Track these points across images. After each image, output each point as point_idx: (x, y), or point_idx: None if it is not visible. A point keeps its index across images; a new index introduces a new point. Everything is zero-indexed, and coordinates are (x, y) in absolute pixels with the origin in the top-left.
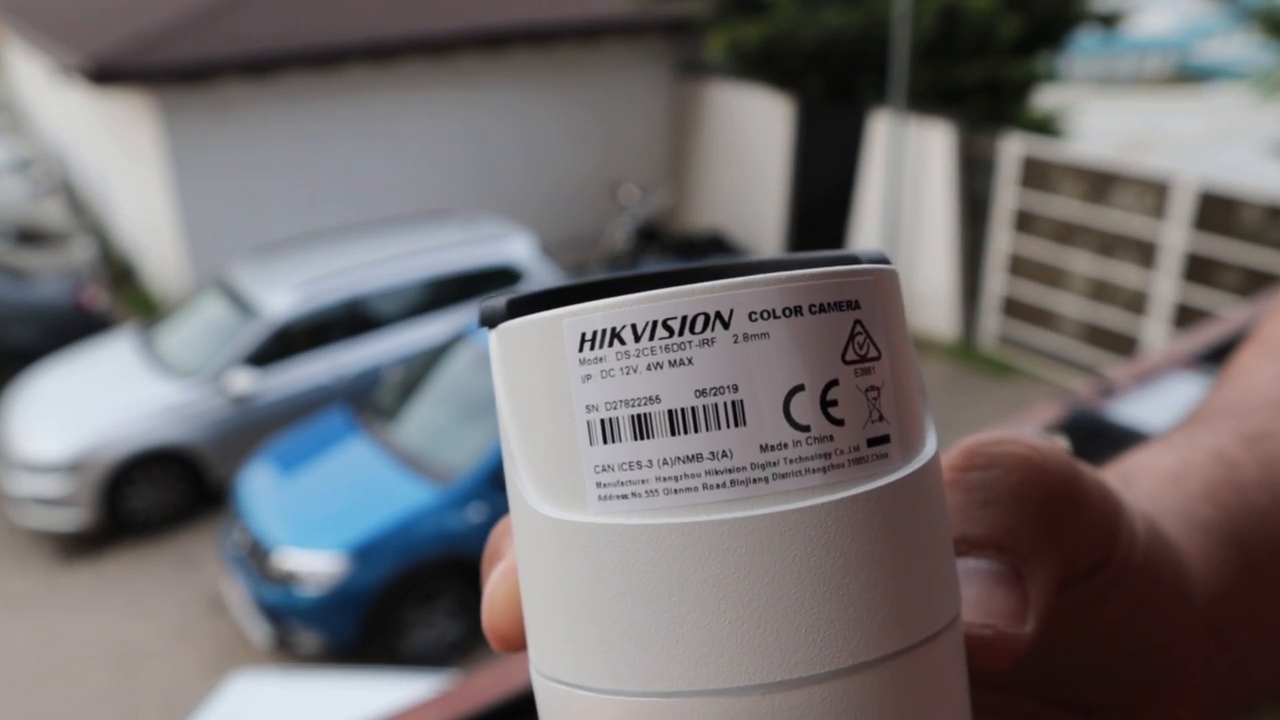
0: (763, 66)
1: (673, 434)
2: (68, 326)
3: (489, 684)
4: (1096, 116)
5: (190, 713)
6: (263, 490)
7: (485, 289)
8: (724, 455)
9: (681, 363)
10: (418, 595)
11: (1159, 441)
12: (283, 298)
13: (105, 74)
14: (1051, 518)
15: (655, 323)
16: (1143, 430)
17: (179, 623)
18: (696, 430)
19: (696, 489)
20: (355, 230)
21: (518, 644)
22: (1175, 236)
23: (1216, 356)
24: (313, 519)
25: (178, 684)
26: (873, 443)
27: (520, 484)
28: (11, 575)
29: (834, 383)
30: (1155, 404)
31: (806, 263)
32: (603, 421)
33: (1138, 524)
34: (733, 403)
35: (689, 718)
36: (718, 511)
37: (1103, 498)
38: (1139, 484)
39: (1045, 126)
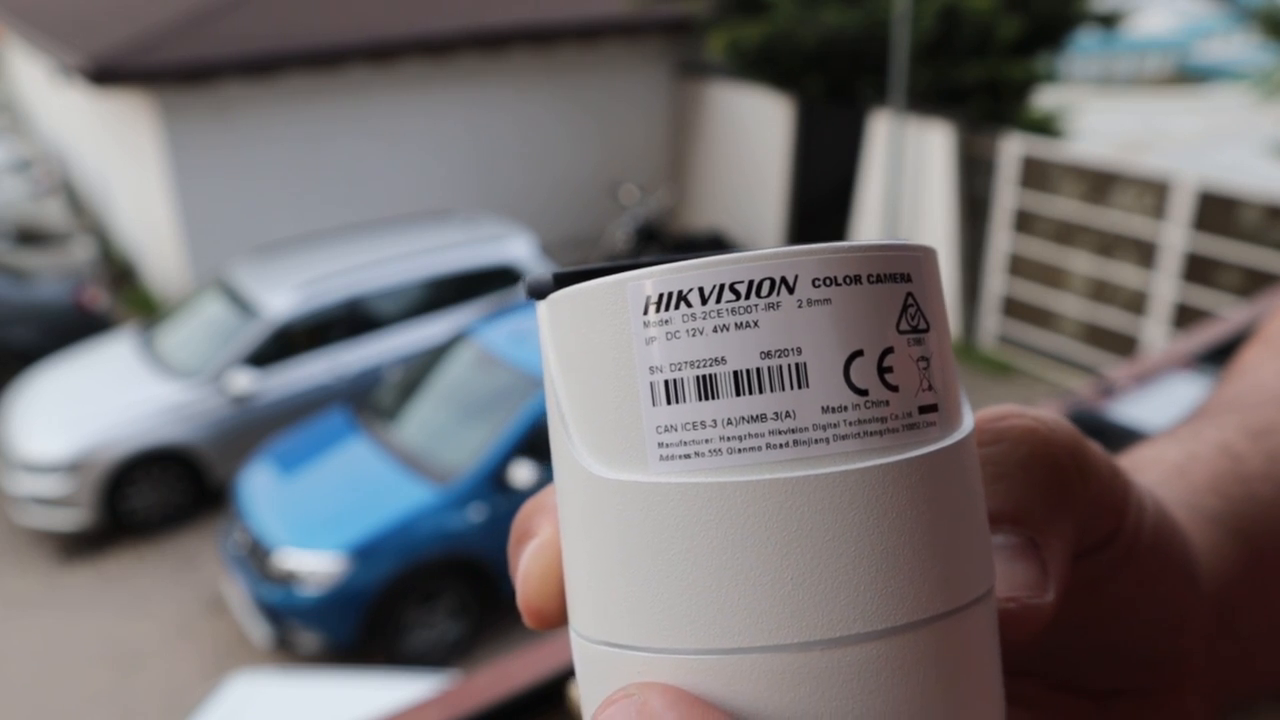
0: (763, 66)
1: (738, 394)
2: (68, 326)
3: (489, 684)
4: (1096, 117)
5: (190, 713)
6: (263, 490)
7: (485, 289)
8: (788, 416)
9: (748, 325)
10: (418, 595)
11: (1164, 436)
12: (283, 298)
13: (105, 74)
14: (1061, 488)
15: (723, 286)
16: (1143, 430)
17: (179, 623)
18: (761, 391)
19: (760, 448)
20: (355, 230)
21: (556, 619)
22: (1175, 236)
23: (1216, 357)
24: (313, 519)
25: (178, 684)
26: (923, 410)
27: (573, 449)
28: (12, 575)
29: (890, 350)
30: (1155, 404)
31: (856, 249)
32: (666, 383)
33: (1147, 502)
34: (796, 365)
35: (748, 675)
36: (782, 470)
37: (1111, 471)
38: (1145, 475)
39: (1045, 127)
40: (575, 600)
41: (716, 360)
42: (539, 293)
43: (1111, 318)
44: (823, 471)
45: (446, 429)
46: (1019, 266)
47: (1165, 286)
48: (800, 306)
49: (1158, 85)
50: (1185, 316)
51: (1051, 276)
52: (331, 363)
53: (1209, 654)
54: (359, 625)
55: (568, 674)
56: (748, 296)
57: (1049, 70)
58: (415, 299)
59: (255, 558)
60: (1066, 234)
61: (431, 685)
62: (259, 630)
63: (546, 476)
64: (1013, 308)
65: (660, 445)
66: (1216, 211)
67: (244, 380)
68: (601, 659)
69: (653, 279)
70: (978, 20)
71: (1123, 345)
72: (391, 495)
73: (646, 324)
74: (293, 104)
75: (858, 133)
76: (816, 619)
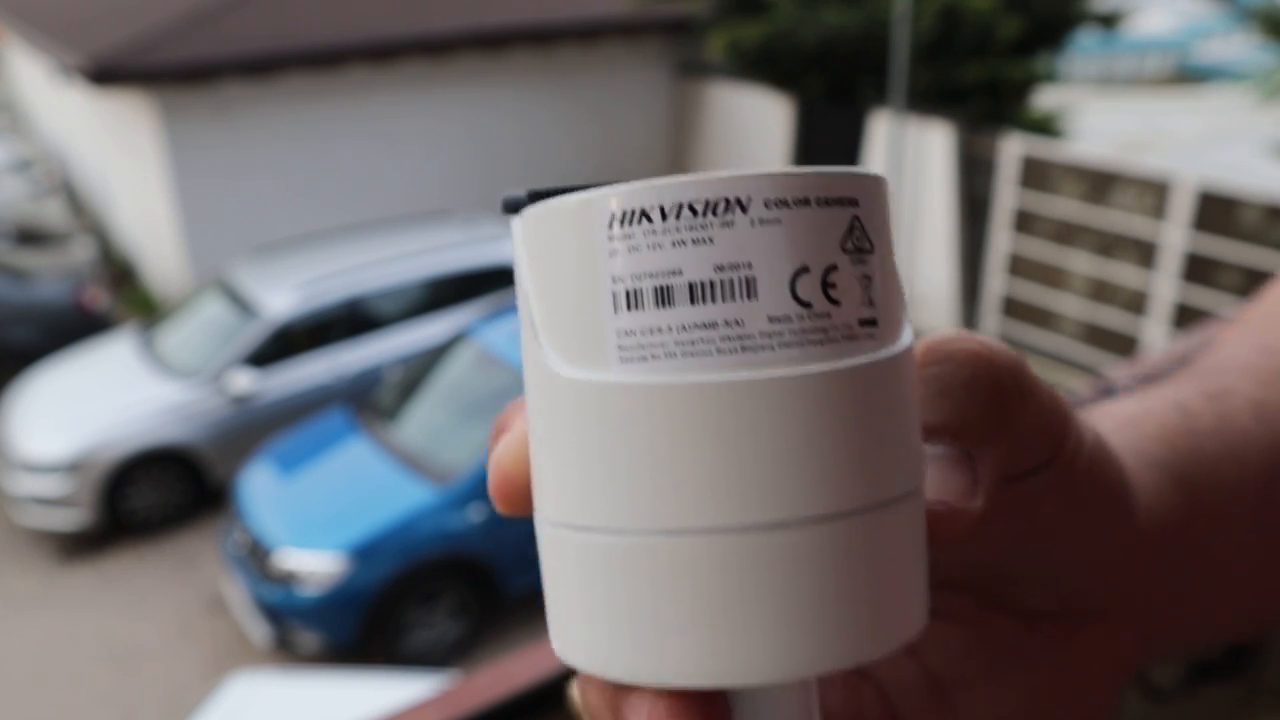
0: (763, 67)
1: (692, 303)
2: (68, 326)
3: (489, 684)
4: (1096, 117)
5: (190, 713)
6: (263, 490)
7: (485, 289)
8: (737, 324)
9: (704, 241)
10: (418, 595)
11: (1126, 395)
12: (283, 298)
13: (105, 74)
14: (1000, 408)
15: (681, 205)
16: None
17: (179, 623)
18: (714, 301)
19: (711, 353)
20: (355, 230)
21: (521, 504)
22: (1175, 236)
23: None
24: (313, 519)
25: (178, 684)
26: (863, 323)
27: (542, 352)
28: (12, 575)
29: (833, 267)
30: None
31: (809, 171)
32: (628, 292)
33: (1086, 433)
34: (747, 278)
35: (688, 554)
36: (729, 373)
37: (1051, 399)
38: (1097, 423)
39: (1045, 127)
40: (539, 487)
41: (674, 272)
42: (514, 208)
43: (1111, 318)
44: (766, 375)
45: (446, 429)
46: (1019, 266)
47: (1165, 287)
48: (753, 225)
49: (1158, 85)
50: (1185, 317)
51: (1051, 276)
52: (331, 363)
53: (1144, 595)
54: (359, 625)
55: (568, 674)
56: (704, 215)
57: (1049, 70)
58: (415, 299)
59: (255, 558)
60: (1066, 234)
61: (431, 685)
62: (259, 630)
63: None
64: (1013, 308)
65: (620, 348)
66: (1217, 211)
67: (244, 380)
68: (558, 539)
69: (618, 197)
70: (978, 20)
71: (1123, 345)
72: (391, 495)
73: (611, 238)
74: (293, 104)
75: (858, 133)
76: (755, 504)
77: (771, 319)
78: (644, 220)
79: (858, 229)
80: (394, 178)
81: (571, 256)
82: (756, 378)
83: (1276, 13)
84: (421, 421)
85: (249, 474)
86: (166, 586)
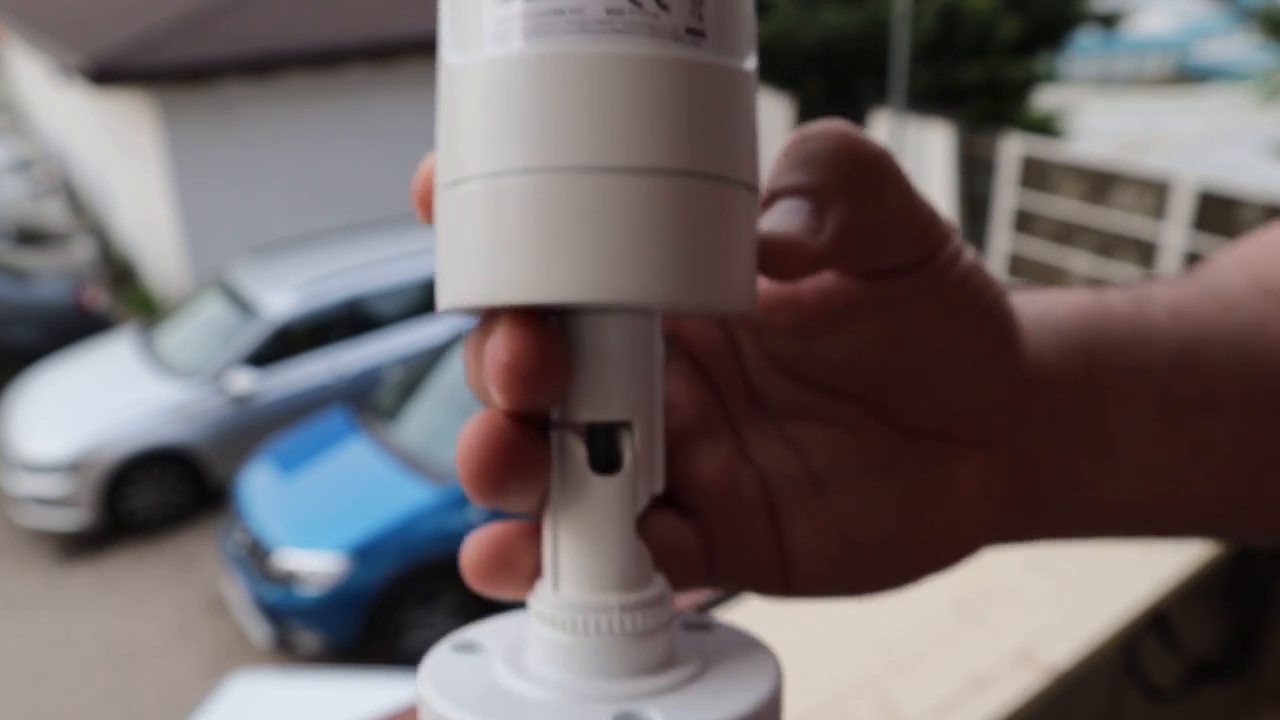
0: (763, 67)
1: None
2: (68, 326)
3: None
4: (1096, 117)
5: (190, 713)
6: (263, 490)
7: None
8: (578, 12)
9: None
10: (418, 595)
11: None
12: (283, 298)
13: (105, 74)
14: (859, 183)
15: None
16: None
17: (179, 623)
18: None
19: (560, 33)
20: (356, 230)
21: (428, 198)
22: (1175, 236)
23: None
24: (313, 519)
25: (178, 684)
26: (690, 31)
27: (444, 52)
28: (12, 575)
29: None
30: None
31: None
32: None
33: (966, 254)
34: None
35: (522, 187)
36: (572, 46)
37: (924, 206)
38: (1019, 300)
39: (1045, 127)
40: (437, 160)
41: None
42: None
43: None
44: (595, 49)
45: (446, 429)
46: (1019, 266)
47: None
48: None
49: (1158, 85)
50: None
51: (1051, 276)
52: (332, 363)
53: (1027, 434)
54: (359, 625)
55: None
56: None
57: (1049, 70)
58: (415, 299)
59: (255, 558)
60: (1066, 234)
61: None
62: (259, 630)
63: None
64: None
65: (492, 33)
66: (1216, 211)
67: (244, 380)
68: (440, 202)
69: None
70: (978, 20)
71: None
72: (391, 495)
73: None
74: (293, 104)
75: None
76: (591, 150)
77: (608, 10)
78: None
79: None
80: (394, 178)
81: None
82: (584, 51)
83: (1276, 13)
84: (421, 421)
85: (249, 474)
86: (166, 587)
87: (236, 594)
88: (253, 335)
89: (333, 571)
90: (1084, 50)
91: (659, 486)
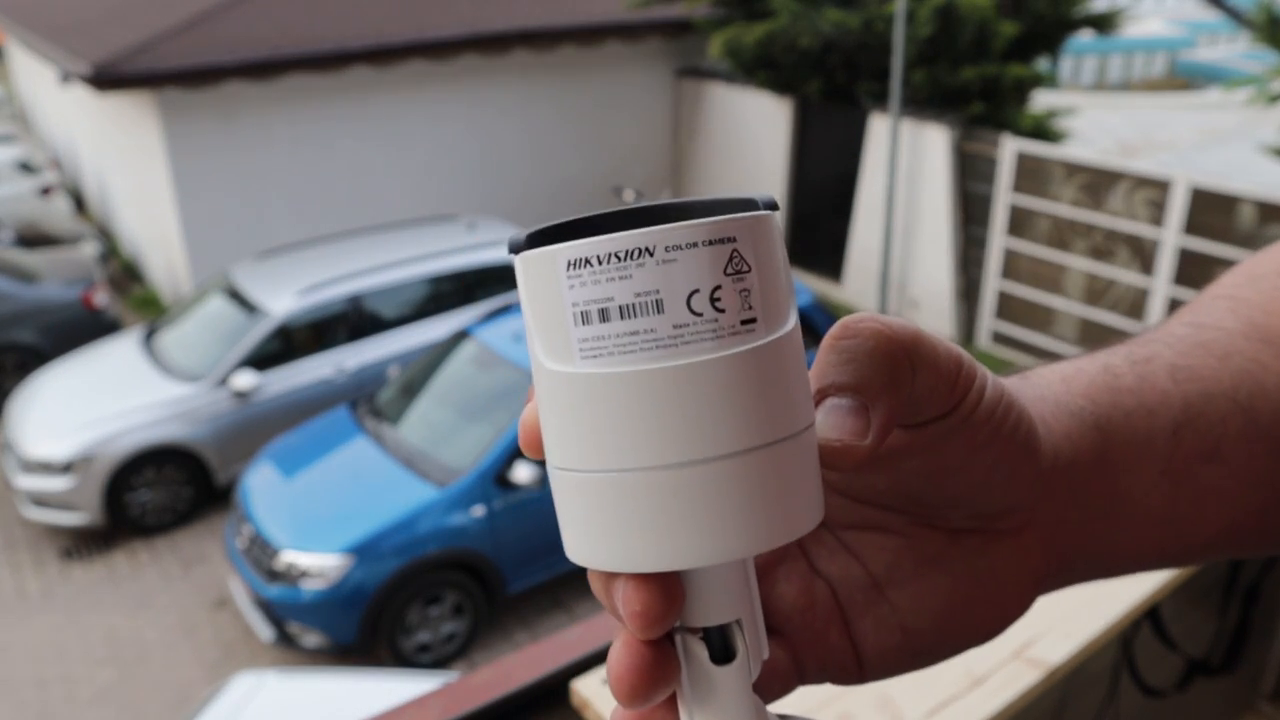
0: (762, 68)
1: (622, 319)
2: (74, 327)
3: (489, 683)
4: (1093, 119)
5: (195, 710)
6: (267, 490)
7: (487, 292)
8: (652, 331)
9: (625, 277)
10: (420, 594)
11: (1072, 358)
12: (287, 300)
13: (108, 78)
14: (893, 373)
15: (610, 254)
16: None
17: (184, 620)
18: (635, 317)
19: (636, 351)
20: (359, 234)
21: (538, 453)
22: (1170, 237)
23: None
24: (316, 518)
25: (182, 681)
26: (745, 323)
27: (536, 351)
28: (19, 572)
29: (718, 287)
30: None
31: (712, 208)
32: (582, 312)
33: (988, 391)
34: (656, 300)
35: (634, 482)
36: (648, 364)
37: (952, 366)
38: (1033, 380)
39: (1042, 129)
40: (544, 443)
41: (608, 299)
42: (515, 249)
43: (1107, 317)
44: (675, 364)
45: (448, 428)
46: (1015, 267)
47: (1161, 286)
48: (658, 264)
49: (1155, 88)
50: None
51: (1048, 276)
52: (334, 364)
53: (1054, 515)
54: (361, 624)
55: (568, 672)
56: (624, 260)
57: (1046, 73)
58: (418, 302)
59: (259, 556)
60: (1062, 235)
61: (432, 684)
62: (263, 628)
63: (547, 475)
64: (1009, 307)
65: (580, 350)
66: (1211, 212)
67: (248, 382)
68: (556, 478)
69: (568, 252)
70: (976, 21)
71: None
72: (393, 495)
73: (568, 277)
74: (295, 106)
75: (856, 134)
76: (680, 448)
77: (675, 326)
78: (587, 265)
79: (737, 258)
80: (396, 180)
81: (547, 288)
82: (662, 366)
83: (1273, 16)
84: (423, 421)
85: (253, 473)
86: (172, 584)
87: (241, 592)
88: (257, 337)
89: (335, 570)
90: (1081, 53)
91: (766, 654)
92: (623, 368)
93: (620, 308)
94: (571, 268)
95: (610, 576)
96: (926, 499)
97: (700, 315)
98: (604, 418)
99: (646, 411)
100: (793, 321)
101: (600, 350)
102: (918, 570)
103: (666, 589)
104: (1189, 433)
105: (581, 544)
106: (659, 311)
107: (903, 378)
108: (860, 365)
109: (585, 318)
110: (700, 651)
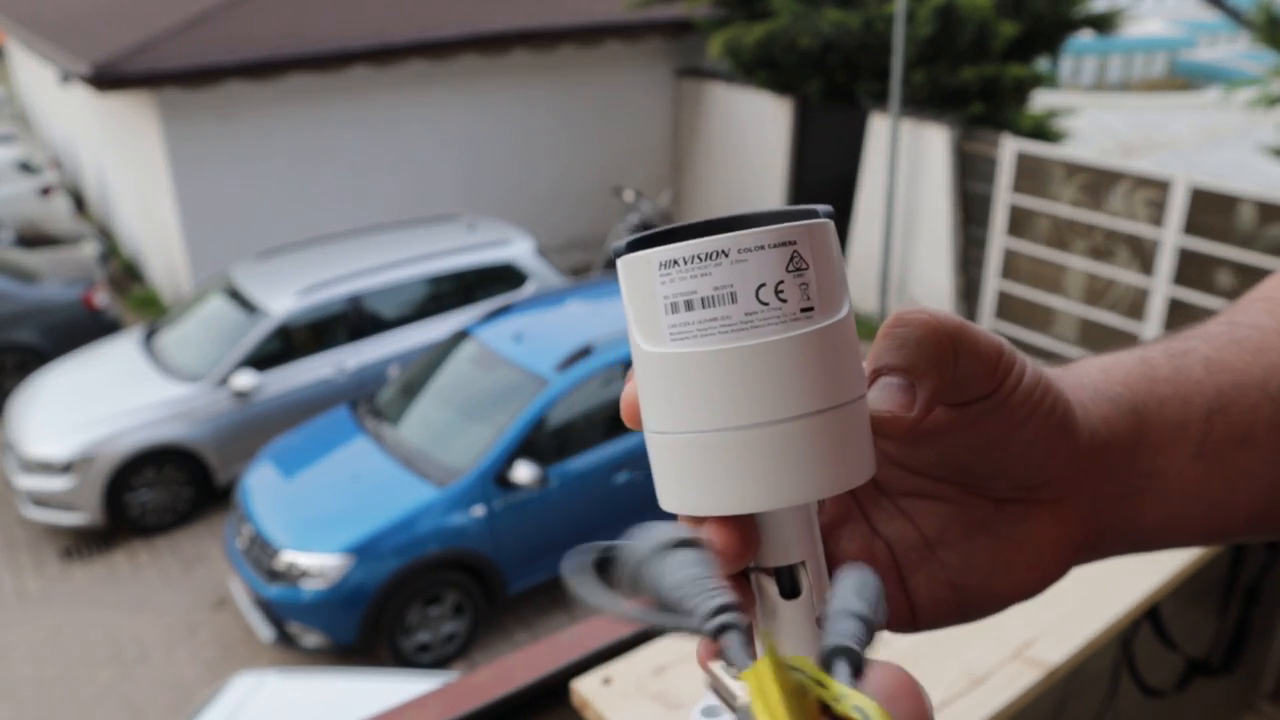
0: (762, 68)
1: (704, 308)
2: (74, 327)
3: (489, 683)
4: (1092, 118)
5: (195, 710)
6: (267, 489)
7: (487, 292)
8: (728, 318)
9: (706, 274)
10: (419, 595)
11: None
12: (287, 300)
13: (108, 78)
14: (938, 357)
15: (694, 255)
16: None
17: (184, 619)
18: (714, 306)
19: (714, 334)
20: (359, 234)
21: (636, 423)
22: (1170, 237)
23: None
24: (316, 518)
25: (183, 680)
26: (804, 310)
27: (635, 337)
28: (20, 572)
29: (781, 281)
30: None
31: (778, 216)
32: (671, 303)
33: (1026, 375)
34: (730, 293)
35: (718, 440)
36: (725, 343)
37: (992, 353)
38: (1075, 370)
39: (1041, 128)
40: (642, 412)
41: (692, 292)
42: (617, 254)
43: (1107, 317)
44: (748, 343)
45: (448, 428)
46: (1015, 267)
47: (1160, 286)
48: (733, 263)
49: (1154, 88)
50: (1180, 315)
51: (1047, 276)
52: (334, 363)
53: (1090, 489)
54: (361, 624)
55: (568, 672)
56: (705, 261)
57: (1046, 73)
58: (418, 302)
59: (259, 556)
60: (1062, 235)
61: (432, 684)
62: (263, 628)
63: (547, 475)
64: (1009, 307)
65: (670, 333)
66: (1211, 212)
67: (248, 381)
68: (653, 440)
69: (660, 254)
70: (976, 21)
71: (1119, 345)
72: (393, 495)
73: (660, 276)
74: (295, 106)
75: (856, 134)
76: (751, 413)
77: (746, 314)
78: (675, 265)
79: (797, 258)
80: (396, 180)
81: (643, 285)
82: (736, 346)
83: (1273, 16)
84: (424, 421)
85: (254, 473)
86: (172, 583)
87: (241, 592)
88: (257, 337)
89: (335, 570)
90: (1081, 53)
91: (827, 593)
92: (704, 347)
93: (702, 299)
94: (663, 267)
95: (698, 521)
96: (973, 470)
97: (767, 304)
98: (690, 388)
99: (724, 383)
100: (845, 309)
101: (686, 334)
102: (966, 533)
103: (743, 531)
104: (1221, 419)
105: (673, 494)
106: (733, 302)
107: (946, 361)
108: (909, 349)
109: (674, 307)
110: (771, 588)
